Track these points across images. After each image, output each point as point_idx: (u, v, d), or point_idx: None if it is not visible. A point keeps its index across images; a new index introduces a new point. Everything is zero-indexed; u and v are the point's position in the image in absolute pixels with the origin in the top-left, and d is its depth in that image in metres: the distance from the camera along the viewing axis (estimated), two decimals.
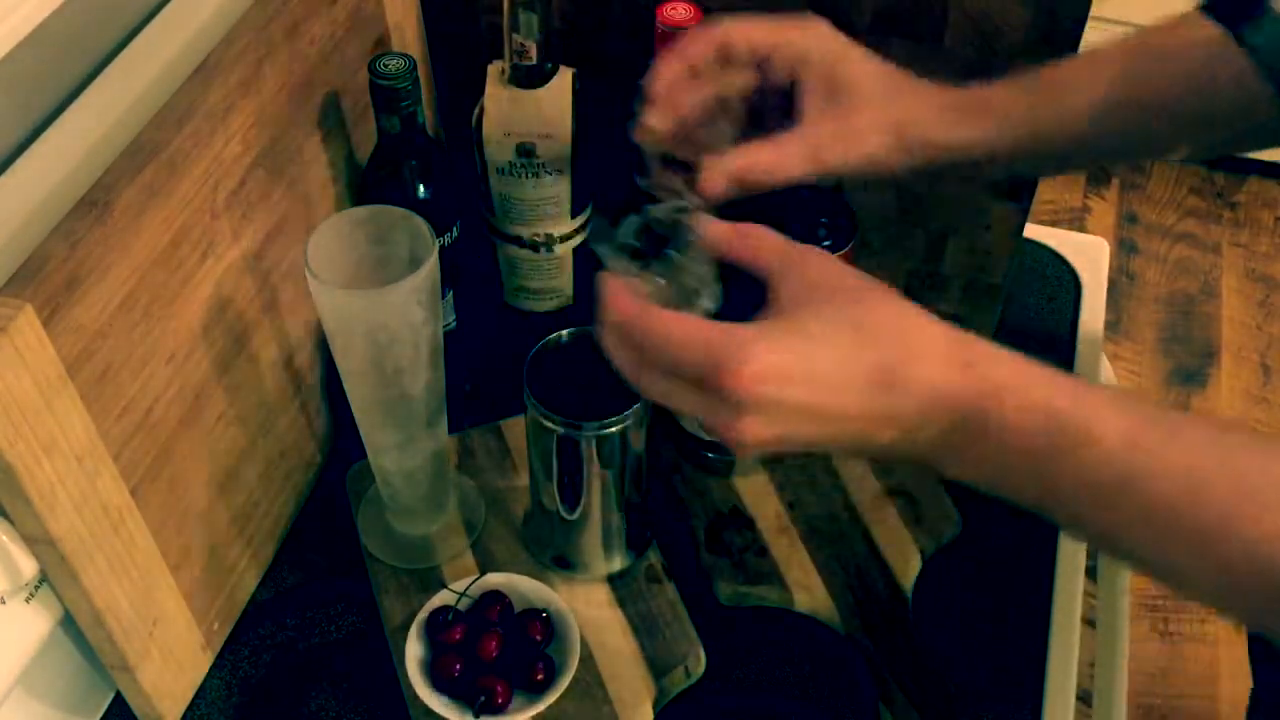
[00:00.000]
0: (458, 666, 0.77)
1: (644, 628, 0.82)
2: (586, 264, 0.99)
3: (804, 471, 0.91)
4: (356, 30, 0.88)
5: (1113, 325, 2.26)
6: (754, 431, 0.54)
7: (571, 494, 0.80)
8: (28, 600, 0.68)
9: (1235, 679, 1.78)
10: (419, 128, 0.84)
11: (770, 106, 0.69)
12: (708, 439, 0.91)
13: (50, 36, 0.68)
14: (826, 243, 0.90)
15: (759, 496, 0.90)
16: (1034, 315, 0.87)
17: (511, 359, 0.79)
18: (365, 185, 0.89)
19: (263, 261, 0.79)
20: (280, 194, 0.80)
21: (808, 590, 0.84)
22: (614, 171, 0.95)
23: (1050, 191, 2.46)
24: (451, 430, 0.85)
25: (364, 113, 0.88)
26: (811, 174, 0.67)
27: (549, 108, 0.88)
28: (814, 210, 0.90)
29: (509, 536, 0.87)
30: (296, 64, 0.80)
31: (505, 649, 0.78)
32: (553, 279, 0.99)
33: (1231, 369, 2.20)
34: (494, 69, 0.90)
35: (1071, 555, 0.88)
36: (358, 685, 0.81)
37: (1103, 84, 0.71)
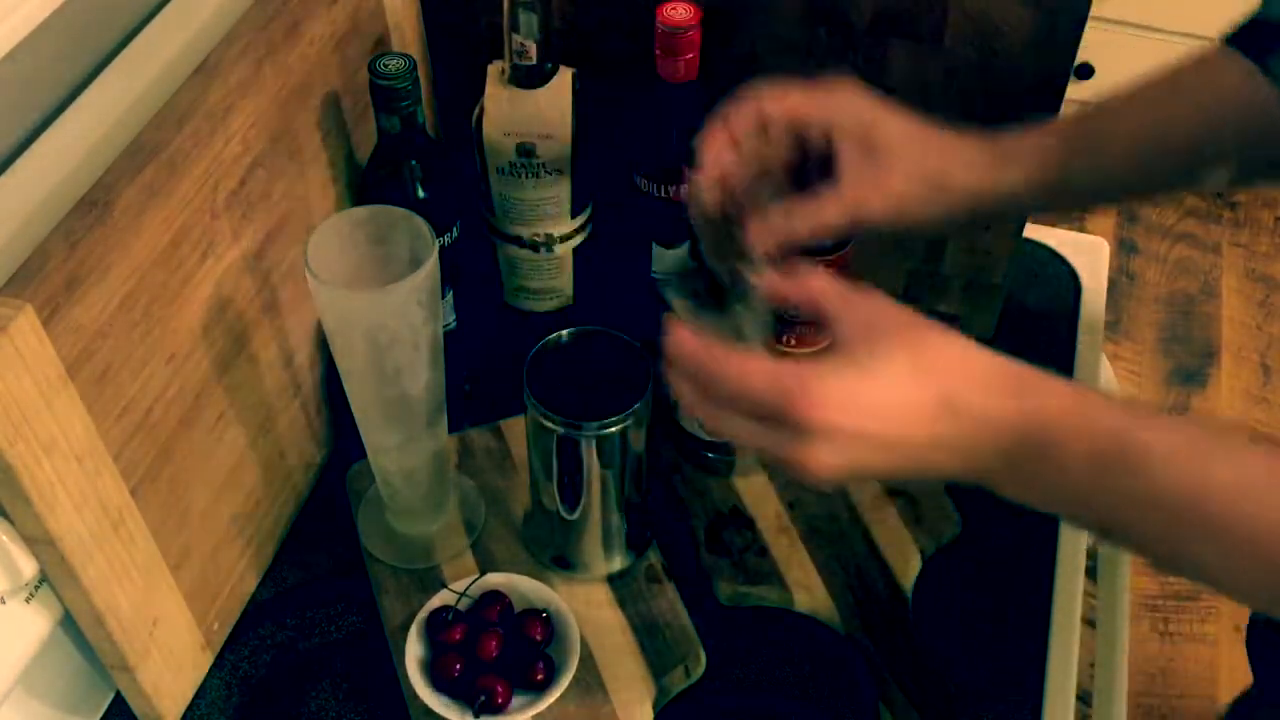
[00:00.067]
0: (458, 666, 0.77)
1: (644, 628, 0.82)
2: (586, 264, 0.99)
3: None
4: (356, 30, 0.88)
5: (1113, 325, 2.26)
6: (823, 460, 0.56)
7: (571, 494, 0.80)
8: (28, 600, 0.68)
9: (1235, 679, 1.78)
10: (419, 128, 0.84)
11: (811, 166, 0.72)
12: (708, 439, 0.91)
13: (50, 36, 0.68)
14: (827, 243, 0.90)
15: (759, 496, 0.90)
16: (1034, 315, 0.87)
17: (511, 359, 0.79)
18: (365, 185, 0.89)
19: (263, 261, 0.79)
20: (280, 194, 0.80)
21: (808, 590, 0.84)
22: (614, 171, 0.95)
23: None
24: (451, 430, 0.85)
25: (364, 113, 0.88)
26: (850, 228, 0.70)
27: (549, 108, 0.88)
28: None
29: (509, 536, 0.87)
30: (296, 64, 0.80)
31: (505, 649, 0.78)
32: (553, 279, 0.99)
33: (1231, 369, 2.20)
34: (494, 69, 0.90)
35: (1071, 555, 0.88)
36: (358, 685, 0.81)
37: (1133, 127, 0.73)
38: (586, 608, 0.82)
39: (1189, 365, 2.20)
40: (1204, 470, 0.55)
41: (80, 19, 0.73)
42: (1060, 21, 0.85)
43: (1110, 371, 1.12)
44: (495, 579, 0.82)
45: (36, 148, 0.69)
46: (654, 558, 0.86)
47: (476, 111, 0.90)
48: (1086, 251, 1.10)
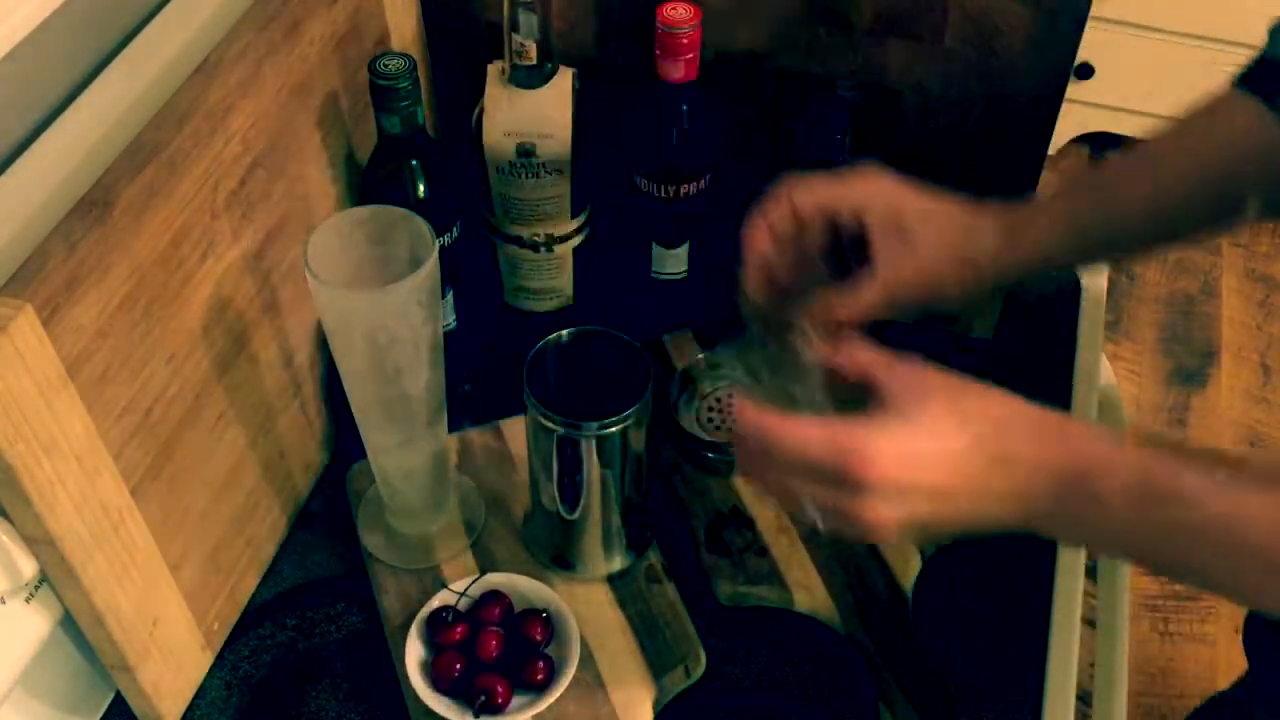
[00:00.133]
0: (458, 666, 0.77)
1: (644, 628, 0.82)
2: (586, 264, 0.99)
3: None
4: (356, 30, 0.88)
5: (1113, 325, 2.26)
6: (882, 514, 0.60)
7: (571, 494, 0.80)
8: (28, 600, 0.68)
9: (1235, 679, 1.77)
10: (419, 128, 0.84)
11: (845, 246, 0.77)
12: (707, 439, 0.91)
13: (50, 36, 0.68)
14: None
15: (759, 497, 0.89)
16: (1034, 315, 0.87)
17: (511, 359, 0.79)
18: (365, 185, 0.89)
19: (263, 261, 0.79)
20: (280, 194, 0.80)
21: (808, 590, 0.84)
22: (614, 171, 0.95)
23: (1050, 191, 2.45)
24: (451, 430, 0.85)
25: (364, 113, 0.88)
26: (886, 308, 0.75)
27: (549, 108, 0.88)
28: None
29: (509, 536, 0.87)
30: (296, 64, 0.80)
31: (505, 649, 0.78)
32: (553, 279, 0.99)
33: (1231, 369, 2.20)
34: (494, 69, 0.90)
35: (1071, 555, 0.88)
36: (358, 685, 0.81)
37: (1150, 182, 0.75)
38: (586, 608, 0.82)
39: (1189, 365, 2.20)
40: (1238, 500, 0.58)
41: (80, 19, 0.73)
42: (1060, 21, 0.85)
43: (1110, 372, 1.12)
44: (495, 579, 0.82)
45: (36, 148, 0.69)
46: (654, 558, 0.86)
47: (476, 111, 0.90)
48: None
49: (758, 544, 0.87)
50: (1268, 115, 0.72)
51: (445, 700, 0.76)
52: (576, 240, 0.97)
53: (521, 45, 0.86)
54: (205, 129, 0.71)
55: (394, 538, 0.87)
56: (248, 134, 0.75)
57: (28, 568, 0.66)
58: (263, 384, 0.82)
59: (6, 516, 0.64)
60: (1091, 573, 0.91)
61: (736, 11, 0.92)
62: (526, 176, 0.91)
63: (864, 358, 0.65)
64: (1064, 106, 0.91)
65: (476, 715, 0.75)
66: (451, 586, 0.81)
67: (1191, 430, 2.09)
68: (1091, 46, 2.22)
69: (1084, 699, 0.83)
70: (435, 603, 0.80)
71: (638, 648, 0.81)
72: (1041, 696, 0.81)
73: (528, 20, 0.85)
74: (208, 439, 0.77)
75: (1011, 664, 0.81)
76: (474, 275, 0.97)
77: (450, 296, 0.94)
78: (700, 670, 0.81)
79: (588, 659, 0.79)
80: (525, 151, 0.89)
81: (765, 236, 0.77)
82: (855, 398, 0.64)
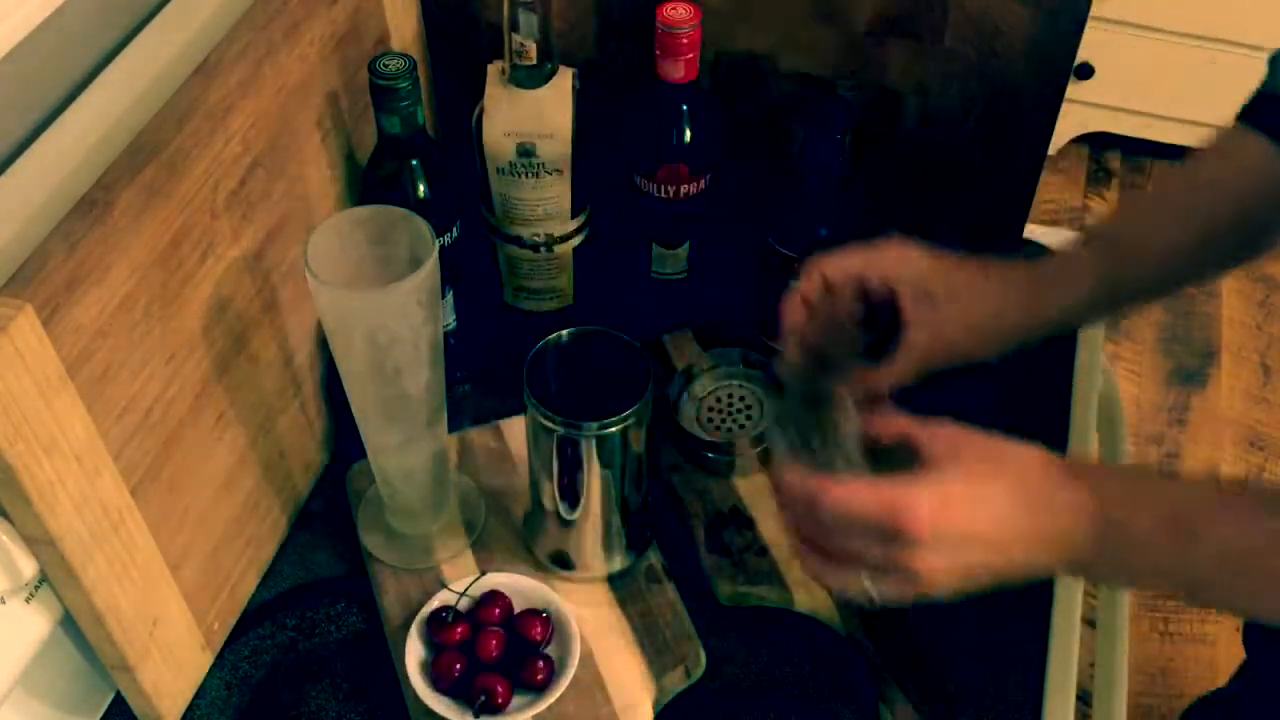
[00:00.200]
0: (458, 666, 0.77)
1: (644, 628, 0.82)
2: (586, 264, 0.99)
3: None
4: (356, 30, 0.88)
5: (1113, 325, 2.26)
6: (934, 564, 0.63)
7: (571, 494, 0.80)
8: (28, 600, 0.68)
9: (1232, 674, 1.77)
10: (419, 128, 0.84)
11: (878, 310, 0.80)
12: (707, 439, 0.91)
13: (50, 36, 0.69)
14: (825, 243, 0.90)
15: (759, 496, 0.89)
16: None
17: (511, 359, 0.79)
18: (365, 185, 0.89)
19: (263, 261, 0.79)
20: (280, 194, 0.80)
21: (808, 590, 0.84)
22: (614, 171, 0.95)
23: (1050, 191, 2.46)
24: (451, 430, 0.85)
25: (364, 113, 0.88)
26: (920, 375, 0.78)
27: (549, 108, 0.88)
28: (816, 213, 0.90)
29: (509, 536, 0.87)
30: (296, 64, 0.80)
31: (505, 649, 0.78)
32: (553, 279, 0.99)
33: (1231, 369, 2.20)
34: (494, 69, 0.90)
35: None
36: (358, 685, 0.81)
37: (1169, 232, 0.78)
38: (586, 608, 0.82)
39: (1189, 365, 2.20)
40: (1264, 528, 0.61)
41: (80, 19, 0.73)
42: (1060, 21, 0.85)
43: (1110, 371, 1.12)
44: (495, 579, 0.82)
45: (36, 148, 0.69)
46: (654, 558, 0.86)
47: (476, 111, 0.90)
48: None
49: (758, 544, 0.87)
50: (1276, 152, 0.74)
51: (445, 700, 0.76)
52: (576, 240, 0.97)
53: (521, 45, 0.86)
54: (205, 129, 0.71)
55: (394, 538, 0.87)
56: (248, 134, 0.75)
57: (28, 568, 0.66)
58: (263, 384, 0.82)
59: (6, 516, 0.64)
60: None
61: (736, 11, 0.92)
62: (526, 176, 0.91)
63: (901, 423, 0.69)
64: (1064, 106, 0.91)
65: (476, 715, 0.75)
66: (451, 586, 0.81)
67: (1191, 430, 2.09)
68: (1091, 46, 2.23)
69: (1084, 699, 0.83)
70: (435, 603, 0.80)
71: (638, 648, 0.81)
72: (1041, 696, 0.81)
73: (528, 20, 0.85)
74: (208, 439, 0.77)
75: (1011, 664, 0.81)
76: (474, 275, 0.97)
77: (450, 296, 0.94)
78: (700, 670, 0.81)
79: (588, 659, 0.79)
80: (525, 151, 0.89)
81: (800, 307, 0.80)
82: (892, 462, 0.68)
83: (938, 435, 0.67)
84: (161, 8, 0.79)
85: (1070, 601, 0.86)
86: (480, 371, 0.99)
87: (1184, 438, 2.08)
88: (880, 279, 0.79)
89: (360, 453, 0.84)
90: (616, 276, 1.02)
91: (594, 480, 0.78)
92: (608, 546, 0.83)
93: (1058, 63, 0.88)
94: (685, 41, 0.86)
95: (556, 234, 0.95)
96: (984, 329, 0.78)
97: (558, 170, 0.90)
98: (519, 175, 0.91)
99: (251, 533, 0.84)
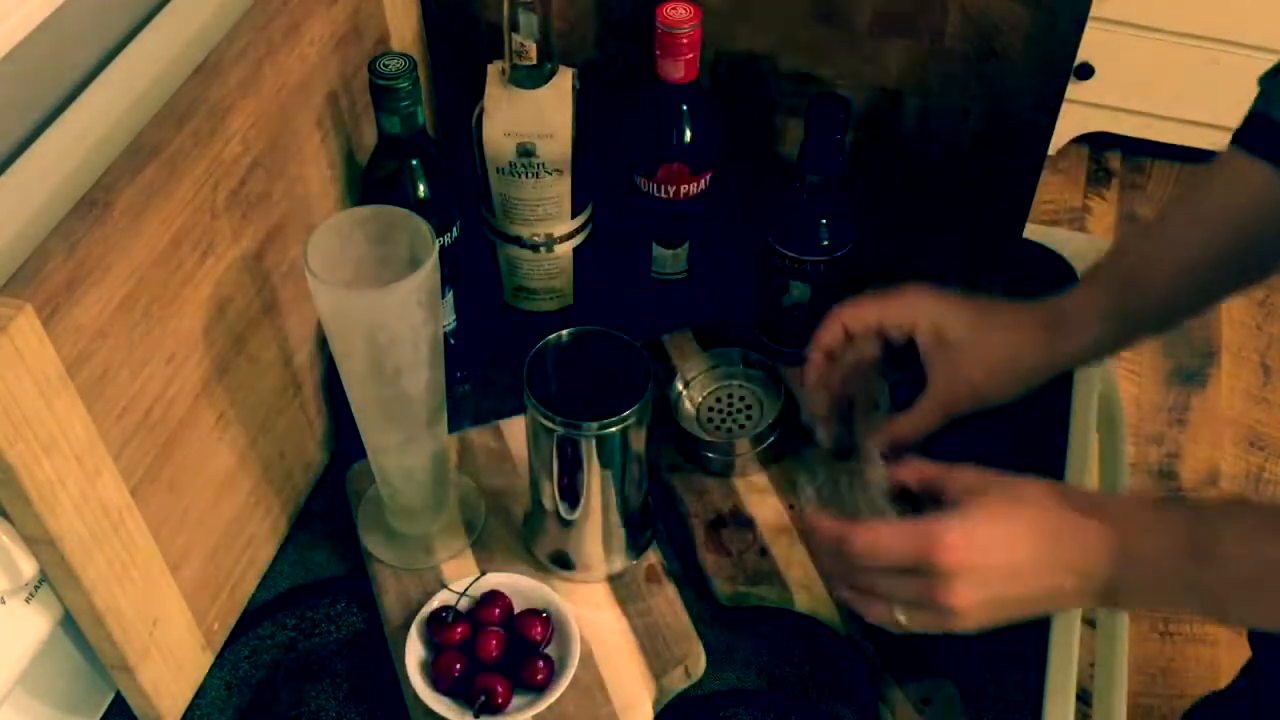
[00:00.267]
0: (458, 666, 0.77)
1: (644, 628, 0.82)
2: (586, 264, 0.99)
3: (803, 471, 0.91)
4: (356, 30, 0.88)
5: None
6: (966, 596, 0.66)
7: (571, 494, 0.80)
8: (28, 600, 0.68)
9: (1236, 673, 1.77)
10: (419, 128, 0.84)
11: (897, 354, 0.84)
12: (707, 439, 0.91)
13: (50, 36, 0.69)
14: (825, 242, 0.91)
15: (759, 496, 0.89)
16: None
17: (511, 359, 0.79)
18: (365, 185, 0.89)
19: (263, 261, 0.79)
20: (280, 194, 0.80)
21: (808, 590, 0.84)
22: (614, 171, 0.95)
23: (1050, 191, 2.46)
24: (451, 430, 0.85)
25: (364, 113, 0.88)
26: (943, 423, 0.82)
27: (549, 108, 0.88)
28: (816, 213, 0.90)
29: (509, 536, 0.87)
30: (296, 64, 0.80)
31: (505, 649, 0.78)
32: (553, 279, 0.99)
33: (1231, 369, 2.20)
34: (494, 69, 0.90)
35: None
36: (358, 685, 0.81)
37: (1176, 265, 0.79)
38: (586, 608, 0.82)
39: (1189, 365, 2.20)
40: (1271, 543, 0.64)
41: (80, 19, 0.73)
42: (1060, 21, 0.85)
43: (1110, 371, 1.12)
44: (495, 579, 0.82)
45: (36, 148, 0.69)
46: (654, 558, 0.86)
47: (476, 111, 0.90)
48: (1086, 251, 1.10)
49: (758, 544, 0.87)
50: (1275, 175, 0.75)
51: (445, 700, 0.76)
52: (576, 240, 0.97)
53: (521, 45, 0.86)
54: (205, 129, 0.71)
55: (394, 538, 0.87)
56: (248, 134, 0.75)
57: (28, 568, 0.66)
58: (263, 384, 0.82)
59: (6, 516, 0.64)
60: None
61: (736, 11, 0.92)
62: (526, 176, 0.91)
63: (926, 469, 0.73)
64: (1064, 106, 0.91)
65: (476, 715, 0.75)
66: (451, 586, 0.81)
67: (1191, 430, 2.09)
68: (1091, 46, 2.23)
69: (1084, 699, 0.83)
70: (435, 603, 0.80)
71: (638, 647, 0.81)
72: (1041, 696, 0.81)
73: (528, 20, 0.85)
74: (208, 439, 0.77)
75: (1011, 664, 0.81)
76: (474, 275, 0.97)
77: (450, 296, 0.94)
78: (700, 670, 0.81)
79: (588, 659, 0.79)
80: (525, 151, 0.89)
81: (822, 358, 0.84)
82: (917, 511, 0.72)
83: (959, 478, 0.71)
84: (161, 8, 0.79)
85: None
86: (480, 371, 0.99)
87: (1184, 438, 2.08)
88: (897, 327, 0.82)
89: (360, 453, 0.84)
90: (616, 276, 1.02)
91: (594, 480, 0.78)
92: (608, 546, 0.83)
93: (1058, 63, 0.88)
94: (685, 41, 0.86)
95: (556, 234, 0.95)
96: (1002, 372, 0.80)
97: (558, 170, 0.90)
98: (519, 175, 0.91)
99: (251, 533, 0.84)
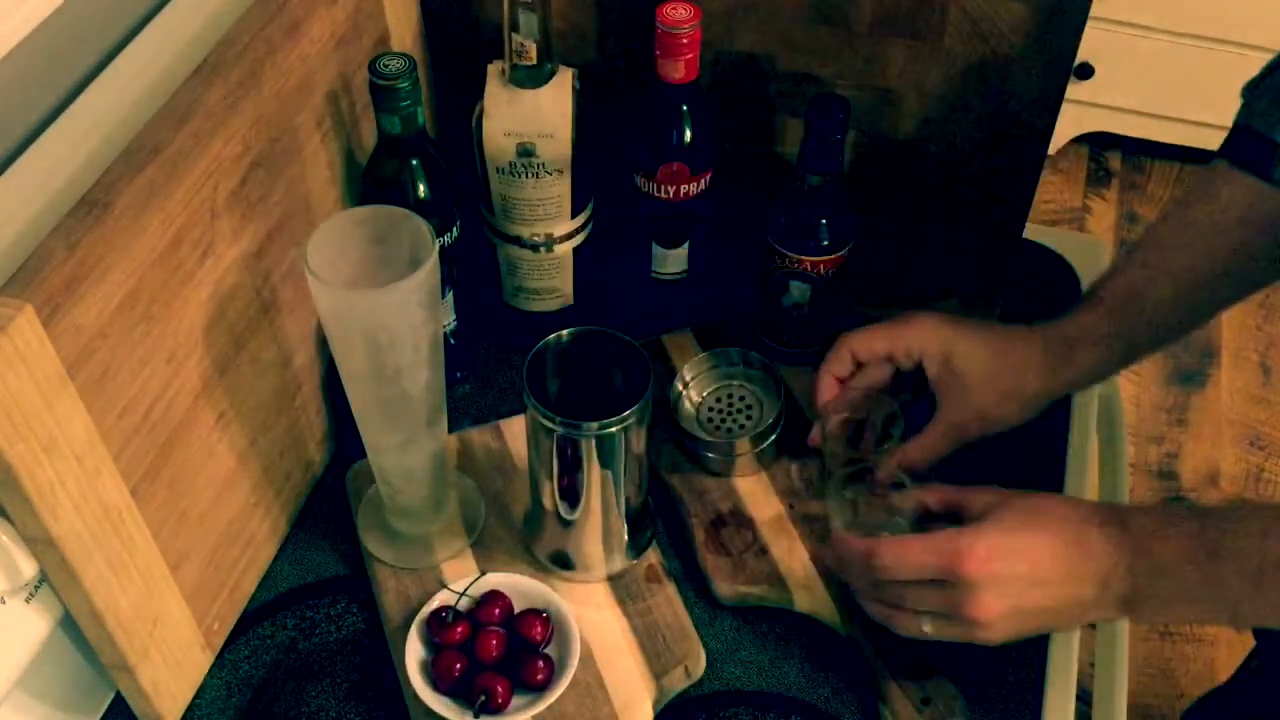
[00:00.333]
0: (458, 666, 0.77)
1: (644, 628, 0.82)
2: (586, 264, 0.99)
3: (803, 472, 0.91)
4: (356, 30, 0.88)
5: None
6: (991, 606, 0.68)
7: (571, 494, 0.80)
8: (28, 600, 0.68)
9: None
10: (419, 128, 0.84)
11: (907, 378, 0.86)
12: (707, 439, 0.91)
13: (50, 36, 0.68)
14: (825, 242, 0.91)
15: (759, 496, 0.89)
16: (1034, 315, 0.88)
17: (511, 359, 0.79)
18: (365, 185, 0.89)
19: (263, 261, 0.79)
20: (280, 194, 0.80)
21: (808, 590, 0.84)
22: (614, 171, 0.95)
23: (1050, 191, 2.46)
24: (451, 430, 0.85)
25: (364, 113, 0.88)
26: (955, 446, 0.84)
27: (549, 108, 0.89)
28: (816, 213, 0.90)
29: (509, 536, 0.87)
30: (296, 64, 0.80)
31: (505, 649, 0.78)
32: (553, 279, 0.99)
33: (1231, 369, 2.20)
34: (494, 69, 0.90)
35: None
36: (358, 685, 0.81)
37: (1174, 284, 0.81)
38: (586, 608, 0.82)
39: (1189, 365, 2.20)
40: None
41: (80, 19, 0.73)
42: (1060, 21, 0.85)
43: None
44: (495, 579, 0.82)
45: (36, 148, 0.69)
46: (654, 558, 0.86)
47: (476, 111, 0.90)
48: (1086, 251, 1.10)
49: (758, 544, 0.87)
50: (1263, 187, 0.76)
51: (445, 700, 0.76)
52: (576, 240, 0.97)
53: (521, 45, 0.86)
54: (205, 129, 0.71)
55: (394, 538, 0.87)
56: (248, 134, 0.75)
57: (28, 568, 0.66)
58: (263, 384, 0.82)
59: (6, 516, 0.64)
60: None
61: (736, 11, 0.92)
62: (526, 176, 0.91)
63: (945, 491, 0.76)
64: (1064, 106, 0.91)
65: (476, 715, 0.75)
66: (451, 586, 0.81)
67: (1191, 430, 2.09)
68: (1091, 46, 2.23)
69: (1084, 699, 0.83)
70: (435, 603, 0.80)
71: (638, 647, 0.81)
72: (1041, 696, 0.81)
73: (528, 20, 0.85)
74: (208, 439, 0.77)
75: (1011, 664, 0.81)
76: (474, 275, 0.97)
77: (450, 296, 0.94)
78: (700, 670, 0.81)
79: (588, 659, 0.80)
80: (525, 151, 0.89)
81: (833, 384, 0.87)
82: (934, 529, 0.73)
83: (978, 496, 0.73)
84: (161, 8, 0.79)
85: None
86: (480, 371, 0.99)
87: (1184, 438, 2.09)
88: (905, 354, 0.84)
89: (360, 453, 0.84)
90: (616, 276, 1.02)
91: (594, 480, 0.78)
92: (608, 546, 0.83)
93: (1058, 63, 0.88)
94: (685, 41, 0.86)
95: (556, 234, 0.95)
96: (1009, 399, 0.82)
97: (558, 170, 0.90)
98: (519, 175, 0.91)
99: (251, 533, 0.84)
